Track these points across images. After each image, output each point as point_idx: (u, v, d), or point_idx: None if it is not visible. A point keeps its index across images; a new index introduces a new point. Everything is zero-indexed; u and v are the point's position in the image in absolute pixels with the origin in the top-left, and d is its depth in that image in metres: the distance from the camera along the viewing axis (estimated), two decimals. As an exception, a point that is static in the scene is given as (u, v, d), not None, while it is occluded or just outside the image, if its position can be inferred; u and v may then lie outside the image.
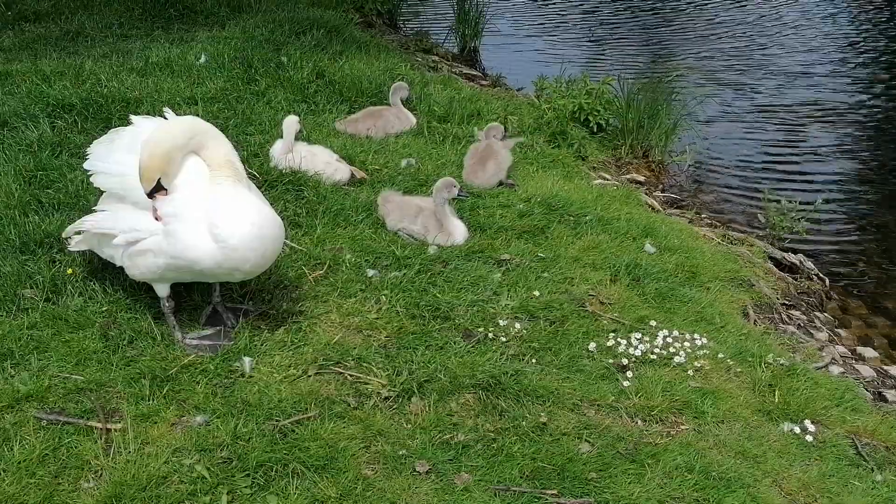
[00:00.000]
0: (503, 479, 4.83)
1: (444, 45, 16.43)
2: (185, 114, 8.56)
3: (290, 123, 7.98)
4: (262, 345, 5.68)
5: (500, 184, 8.58)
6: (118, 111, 8.74)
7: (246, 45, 10.89)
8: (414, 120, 9.70)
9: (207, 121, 8.40)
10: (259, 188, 7.31)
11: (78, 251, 6.12)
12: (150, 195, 5.29)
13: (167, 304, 5.67)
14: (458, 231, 7.34)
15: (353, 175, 8.14)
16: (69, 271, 6.11)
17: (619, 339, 6.27)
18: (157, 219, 5.31)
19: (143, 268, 5.48)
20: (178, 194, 5.34)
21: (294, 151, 7.91)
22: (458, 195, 7.39)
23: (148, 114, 8.48)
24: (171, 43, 11.34)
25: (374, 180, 8.18)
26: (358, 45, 11.91)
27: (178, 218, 5.28)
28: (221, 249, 5.23)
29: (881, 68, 16.70)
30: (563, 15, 20.50)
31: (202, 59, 10.36)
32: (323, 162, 7.95)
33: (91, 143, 6.03)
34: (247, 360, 5.50)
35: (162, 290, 5.63)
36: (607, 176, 10.38)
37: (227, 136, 8.21)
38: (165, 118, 5.80)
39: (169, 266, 5.38)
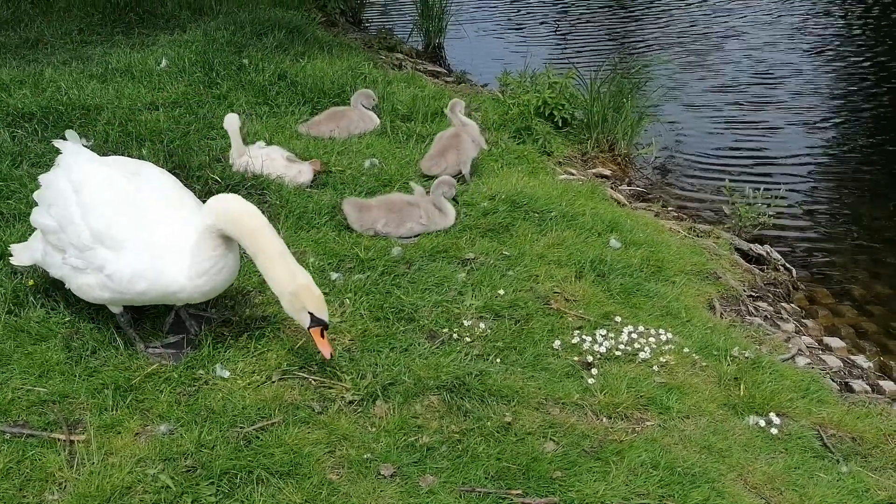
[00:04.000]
0: (468, 480, 4.83)
1: (409, 42, 16.43)
2: (145, 120, 8.59)
3: (232, 121, 7.96)
4: (225, 351, 5.65)
5: (460, 175, 8.57)
6: (78, 118, 8.71)
7: (207, 48, 10.85)
8: (377, 121, 9.66)
9: (169, 126, 8.49)
10: (223, 192, 7.32)
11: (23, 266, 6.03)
12: None
13: (123, 319, 5.64)
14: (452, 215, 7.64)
15: (314, 173, 8.12)
16: (30, 283, 6.06)
17: (584, 337, 6.27)
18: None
19: (93, 298, 5.51)
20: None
21: (252, 156, 7.88)
22: (454, 197, 7.68)
23: (108, 122, 8.54)
24: (132, 48, 11.33)
25: (336, 181, 8.15)
26: (320, 45, 11.90)
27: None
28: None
29: (847, 58, 16.80)
30: (527, 9, 20.50)
31: (163, 64, 10.32)
32: (283, 165, 7.92)
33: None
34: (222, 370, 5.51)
35: (116, 309, 5.61)
36: (573, 171, 10.39)
37: (189, 141, 8.29)
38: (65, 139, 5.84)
39: (118, 299, 5.43)
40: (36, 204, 5.75)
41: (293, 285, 5.17)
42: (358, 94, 9.62)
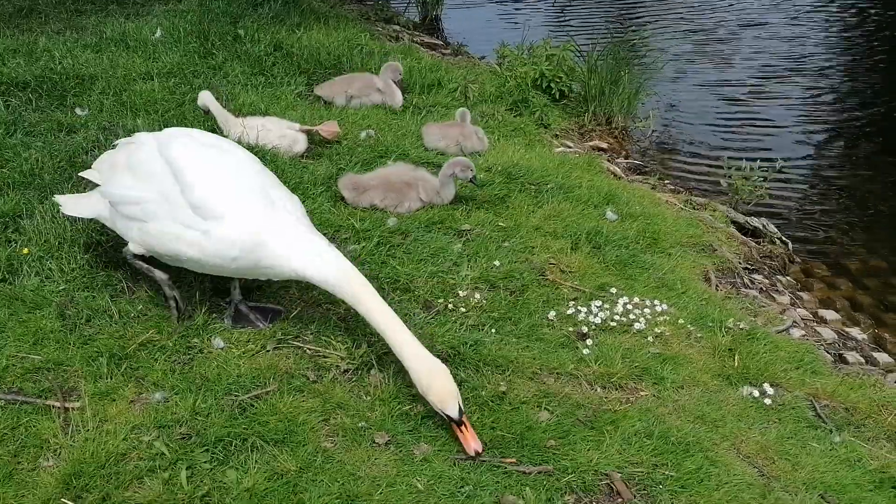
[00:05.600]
0: (463, 448, 4.84)
1: (406, 13, 16.36)
2: (140, 90, 8.57)
3: (206, 97, 8.13)
4: (220, 321, 5.66)
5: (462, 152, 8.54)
6: (73, 88, 8.68)
7: (202, 18, 10.80)
8: (400, 98, 9.62)
9: (163, 96, 8.45)
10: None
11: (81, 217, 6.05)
12: None
13: (167, 283, 5.66)
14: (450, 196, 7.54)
15: (312, 138, 8.12)
16: (25, 251, 6.05)
17: (579, 308, 6.28)
18: None
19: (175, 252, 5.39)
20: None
21: (247, 127, 7.85)
22: (471, 180, 7.49)
23: (102, 91, 8.51)
24: (127, 17, 11.28)
25: (332, 152, 8.12)
26: (317, 16, 11.84)
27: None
28: None
29: (848, 33, 16.75)
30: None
31: (158, 34, 10.27)
32: (277, 136, 7.88)
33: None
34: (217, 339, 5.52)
35: (163, 275, 5.63)
36: (570, 143, 10.38)
37: (184, 111, 8.25)
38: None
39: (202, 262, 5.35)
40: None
41: (427, 380, 4.93)
42: (386, 67, 9.58)
